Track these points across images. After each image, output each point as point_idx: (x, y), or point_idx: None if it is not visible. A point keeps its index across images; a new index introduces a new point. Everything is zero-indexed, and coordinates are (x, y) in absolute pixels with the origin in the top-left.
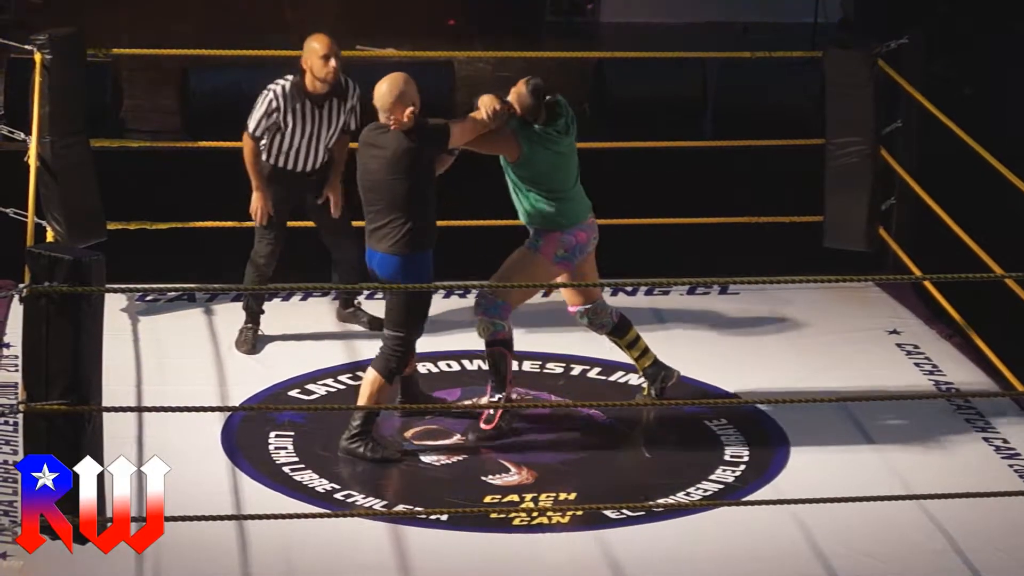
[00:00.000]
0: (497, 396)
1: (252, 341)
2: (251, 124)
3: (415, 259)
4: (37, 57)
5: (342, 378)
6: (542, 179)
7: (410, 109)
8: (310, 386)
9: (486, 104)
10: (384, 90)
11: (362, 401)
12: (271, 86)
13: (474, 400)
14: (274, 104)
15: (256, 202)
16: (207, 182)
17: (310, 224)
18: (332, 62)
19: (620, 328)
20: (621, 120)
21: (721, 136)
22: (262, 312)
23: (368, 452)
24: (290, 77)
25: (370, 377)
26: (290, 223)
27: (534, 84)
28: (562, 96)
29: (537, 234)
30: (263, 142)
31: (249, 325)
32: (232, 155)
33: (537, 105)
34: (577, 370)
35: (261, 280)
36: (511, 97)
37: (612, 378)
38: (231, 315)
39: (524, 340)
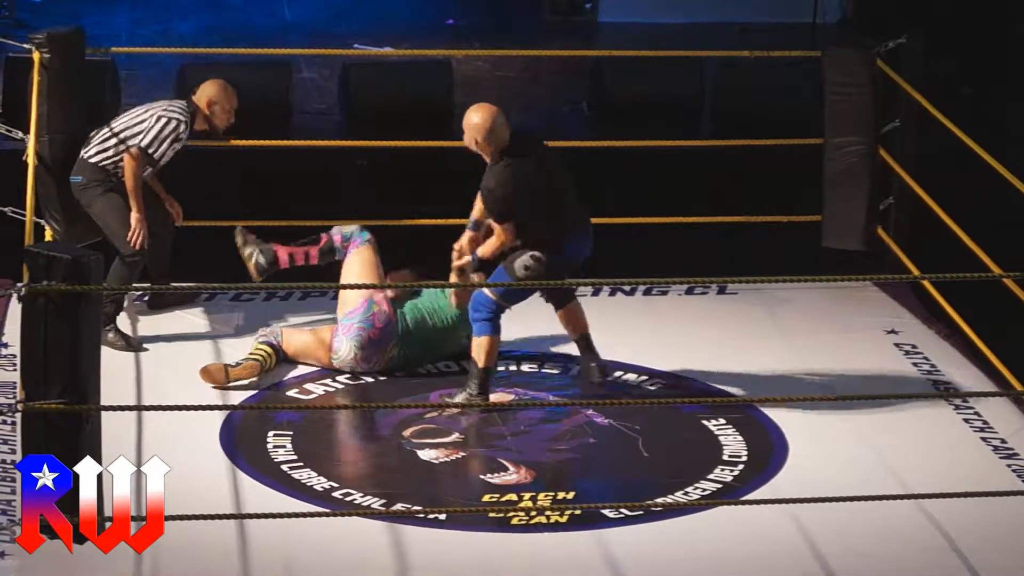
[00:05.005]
0: None
1: (123, 340)
2: (155, 149)
3: None
4: (36, 56)
5: (340, 378)
6: None
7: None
8: (308, 385)
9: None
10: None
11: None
12: (172, 115)
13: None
14: (180, 136)
15: (140, 225)
16: (205, 181)
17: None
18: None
19: None
20: (619, 119)
21: (719, 135)
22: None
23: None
24: (181, 106)
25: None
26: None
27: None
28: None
29: None
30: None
31: (109, 326)
32: (232, 153)
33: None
34: (575, 370)
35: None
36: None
37: (610, 379)
38: (230, 315)
39: (522, 341)
